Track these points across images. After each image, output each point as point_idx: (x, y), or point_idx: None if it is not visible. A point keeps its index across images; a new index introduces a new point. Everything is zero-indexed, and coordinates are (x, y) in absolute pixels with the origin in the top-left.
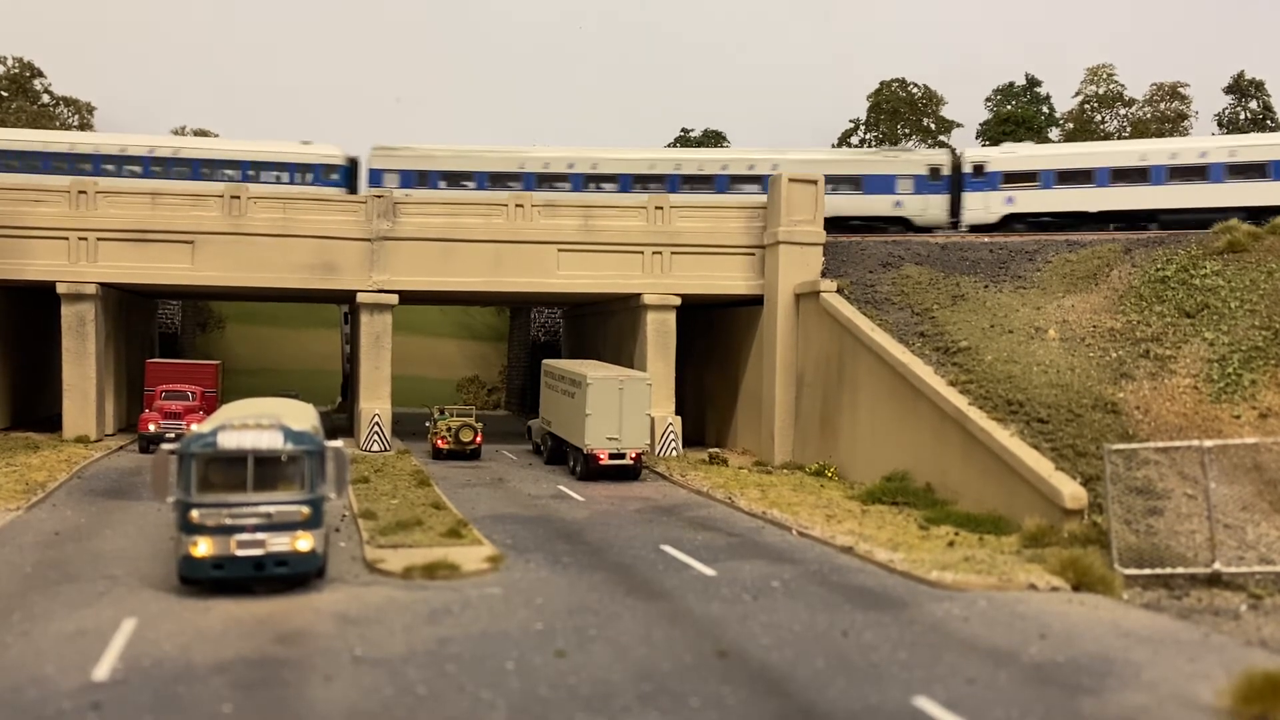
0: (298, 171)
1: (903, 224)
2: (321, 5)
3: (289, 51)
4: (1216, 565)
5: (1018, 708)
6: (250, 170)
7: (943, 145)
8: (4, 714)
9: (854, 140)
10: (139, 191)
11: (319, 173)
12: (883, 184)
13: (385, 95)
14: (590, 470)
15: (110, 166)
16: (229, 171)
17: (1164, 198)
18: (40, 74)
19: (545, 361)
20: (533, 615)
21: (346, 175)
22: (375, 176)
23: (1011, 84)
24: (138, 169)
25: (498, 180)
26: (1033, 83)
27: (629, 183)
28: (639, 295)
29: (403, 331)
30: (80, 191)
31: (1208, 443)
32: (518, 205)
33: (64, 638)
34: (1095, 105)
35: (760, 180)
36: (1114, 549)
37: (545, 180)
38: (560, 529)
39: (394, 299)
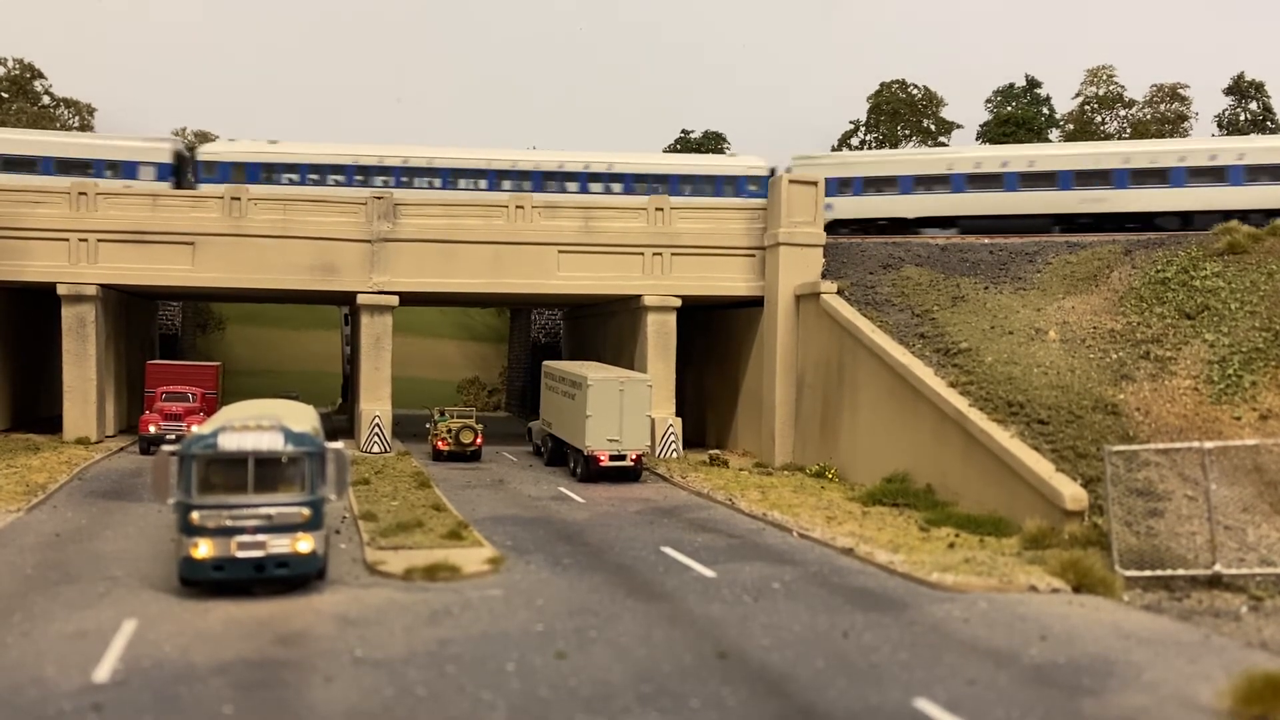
0: (724, 183)
1: None
2: (321, 7)
3: (289, 53)
4: (1217, 567)
5: (1018, 709)
6: (680, 184)
7: (943, 146)
8: (5, 715)
9: (854, 142)
10: (138, 193)
11: (741, 184)
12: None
13: (385, 95)
14: (591, 472)
15: (551, 184)
16: (658, 185)
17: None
18: (41, 75)
19: (545, 363)
20: (533, 616)
21: (765, 184)
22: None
23: (1012, 85)
24: (574, 185)
25: (922, 183)
26: (1033, 84)
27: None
28: (639, 296)
29: (403, 333)
30: (80, 193)
31: (1208, 444)
32: (518, 206)
33: (64, 639)
34: (1095, 106)
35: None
36: (1114, 550)
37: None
38: (561, 530)
39: (394, 300)
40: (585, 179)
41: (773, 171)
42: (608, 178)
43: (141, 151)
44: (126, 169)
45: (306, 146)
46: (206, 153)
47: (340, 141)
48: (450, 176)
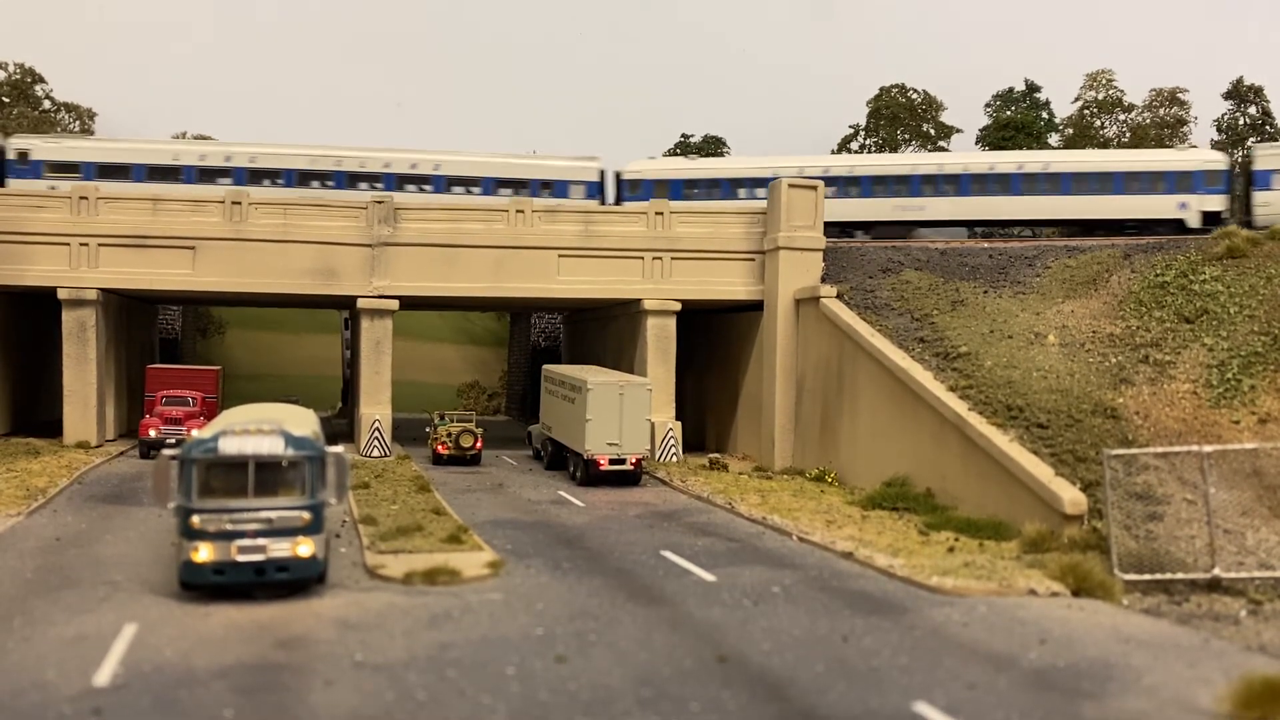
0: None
1: None
2: (322, 9)
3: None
4: (1216, 570)
5: (1018, 713)
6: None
7: (943, 150)
8: (5, 719)
9: (854, 146)
10: (139, 197)
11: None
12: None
13: (385, 99)
14: (590, 475)
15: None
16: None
17: None
18: (41, 79)
19: (545, 367)
20: (533, 620)
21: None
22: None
23: (1011, 89)
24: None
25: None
26: (1032, 88)
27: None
28: (639, 301)
29: (403, 337)
30: (81, 197)
31: (1207, 448)
32: (519, 211)
33: (65, 643)
34: (1095, 111)
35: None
36: (1114, 554)
37: None
38: (560, 534)
39: (394, 304)
40: (393, 180)
41: (602, 174)
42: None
43: (573, 171)
44: (559, 188)
45: (724, 162)
46: (632, 170)
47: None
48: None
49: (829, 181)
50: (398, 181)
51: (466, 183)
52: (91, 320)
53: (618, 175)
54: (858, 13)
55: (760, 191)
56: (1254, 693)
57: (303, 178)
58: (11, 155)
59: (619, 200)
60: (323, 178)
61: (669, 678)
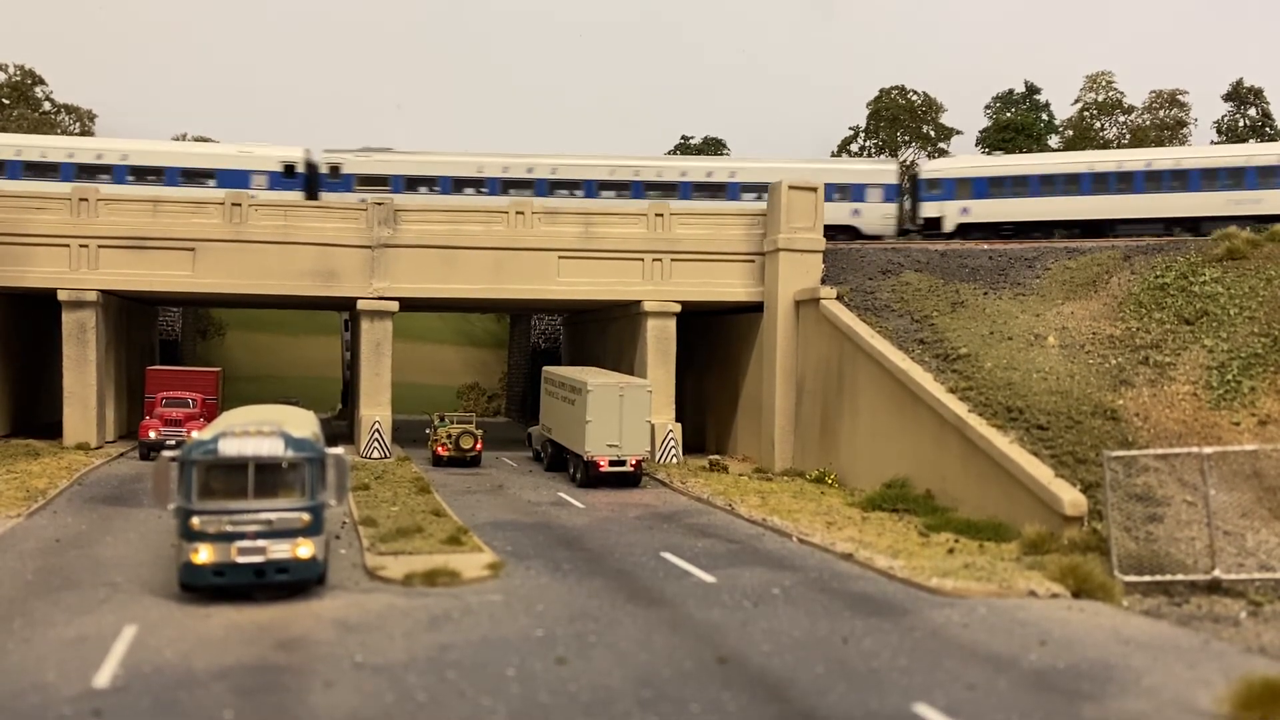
0: (228, 176)
1: None
2: (321, 10)
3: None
4: (1216, 572)
5: (1018, 714)
6: (180, 177)
7: (944, 153)
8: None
9: (853, 148)
10: (139, 199)
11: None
12: None
13: (385, 101)
14: (590, 477)
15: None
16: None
17: None
18: (41, 81)
19: (545, 368)
20: (533, 622)
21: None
22: None
23: (1011, 91)
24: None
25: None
26: (1032, 90)
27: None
28: (639, 302)
29: (403, 338)
30: (81, 199)
31: (1207, 450)
32: (518, 212)
33: (65, 644)
34: (1094, 112)
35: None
36: (1114, 556)
37: None
38: (560, 536)
39: (394, 306)
40: (689, 189)
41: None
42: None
43: (873, 174)
44: (856, 191)
45: (1031, 159)
46: (931, 169)
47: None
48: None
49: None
50: (693, 190)
51: (759, 189)
52: (91, 322)
53: (914, 176)
54: (857, 14)
55: (1081, 186)
56: (1254, 694)
57: (601, 187)
58: (324, 169)
59: (916, 202)
60: (619, 187)
61: (669, 679)
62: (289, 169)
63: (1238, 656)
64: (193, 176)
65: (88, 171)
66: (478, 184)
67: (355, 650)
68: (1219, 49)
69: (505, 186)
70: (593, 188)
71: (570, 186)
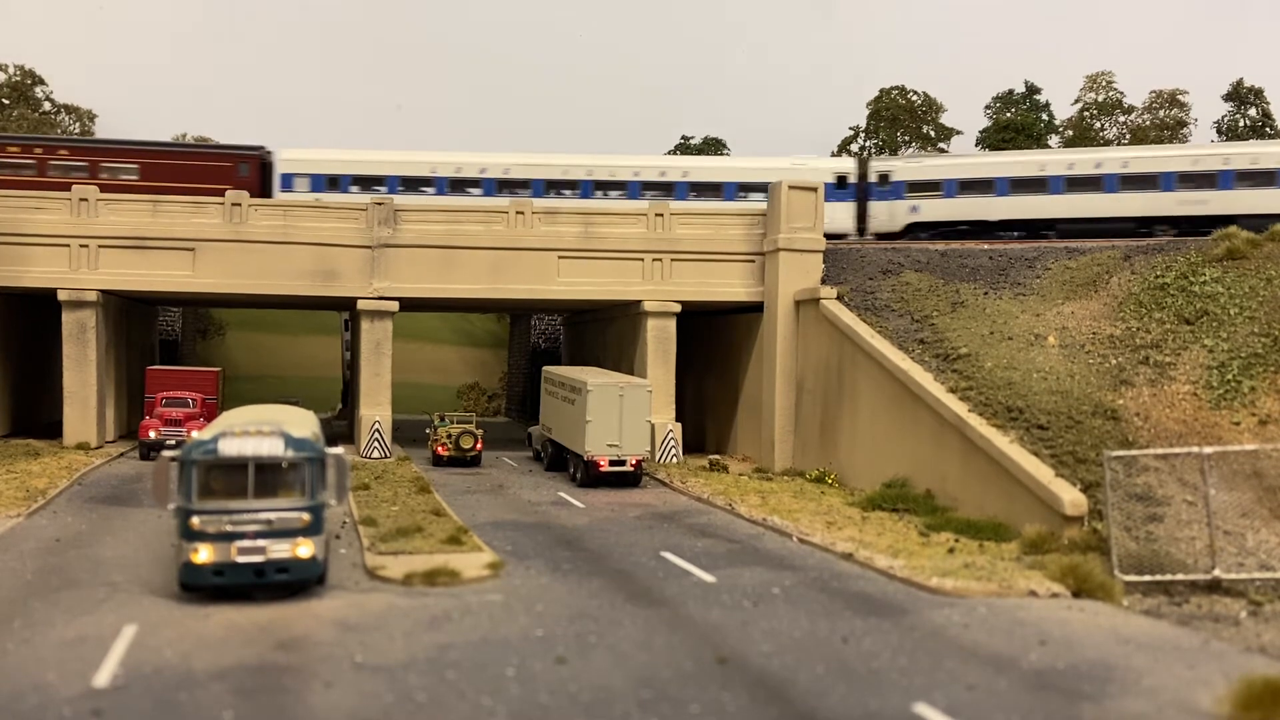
0: None
1: None
2: (322, 10)
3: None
4: (1216, 572)
5: (1018, 714)
6: None
7: (943, 152)
8: None
9: (854, 148)
10: (139, 199)
11: None
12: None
13: (386, 101)
14: (590, 477)
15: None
16: None
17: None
18: (41, 81)
19: (545, 368)
20: (533, 622)
21: None
22: None
23: (1011, 91)
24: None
25: None
26: (1032, 90)
27: None
28: (639, 302)
29: (403, 338)
30: (81, 199)
31: (1207, 449)
32: (518, 212)
33: (65, 644)
34: (1094, 112)
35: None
36: (1114, 555)
37: None
38: (560, 535)
39: (394, 306)
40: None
41: (853, 175)
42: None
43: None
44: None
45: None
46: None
47: None
48: None
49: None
50: (738, 190)
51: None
52: (91, 322)
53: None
54: (857, 13)
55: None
56: (1254, 694)
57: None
58: (873, 178)
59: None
60: (617, 187)
61: (669, 679)
62: (841, 180)
63: (1238, 656)
64: (748, 190)
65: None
66: (1038, 184)
67: (355, 650)
68: (1219, 49)
69: (1068, 185)
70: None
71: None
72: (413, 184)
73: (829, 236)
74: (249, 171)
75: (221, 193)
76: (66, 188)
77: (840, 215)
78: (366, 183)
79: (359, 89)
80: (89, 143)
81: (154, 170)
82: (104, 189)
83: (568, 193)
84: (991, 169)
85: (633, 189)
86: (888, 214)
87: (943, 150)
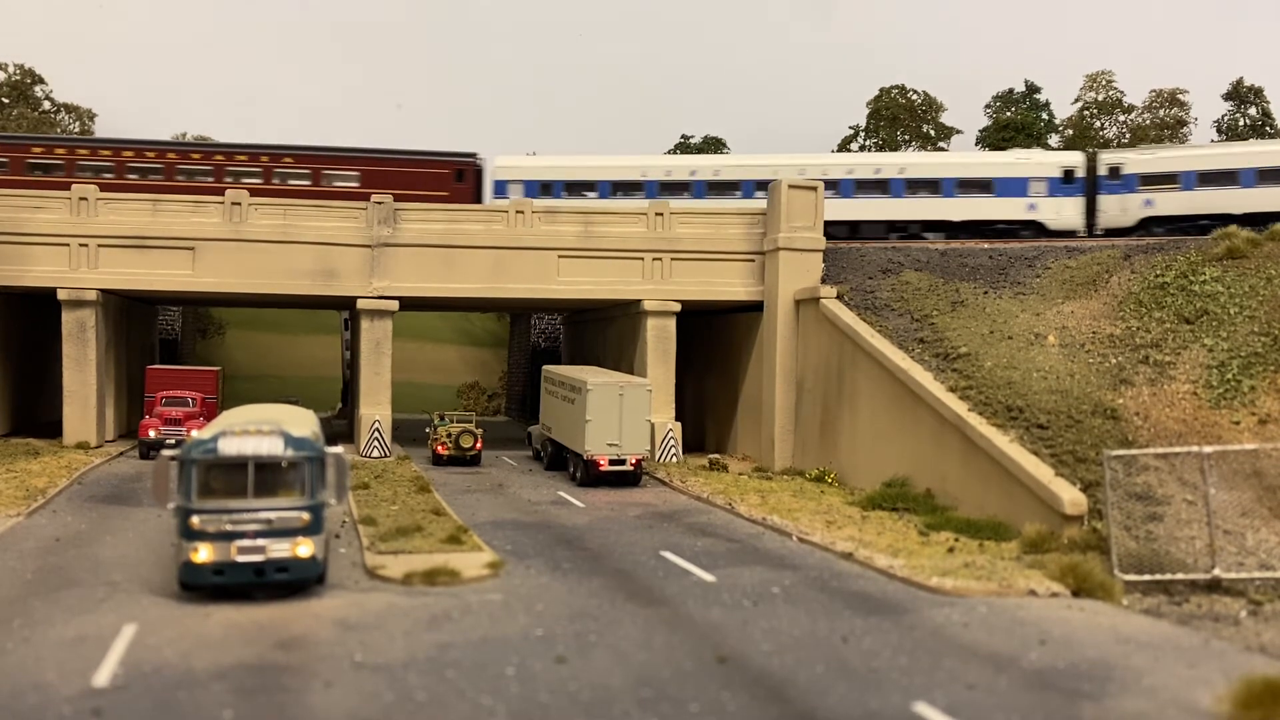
0: None
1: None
2: (322, 9)
3: (288, 55)
4: (1216, 571)
5: (1018, 713)
6: None
7: (941, 151)
8: (5, 719)
9: (853, 147)
10: (139, 198)
11: None
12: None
13: (386, 100)
14: (590, 476)
15: None
16: None
17: None
18: (41, 80)
19: (545, 367)
20: (533, 621)
21: None
22: None
23: (1011, 90)
24: None
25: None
26: (1032, 89)
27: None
28: (639, 301)
29: (403, 337)
30: (81, 198)
31: (1207, 449)
32: (518, 212)
33: (64, 644)
34: (1094, 112)
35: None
36: (1114, 555)
37: None
38: (560, 535)
39: (394, 305)
40: (952, 186)
41: (1080, 169)
42: (869, 185)
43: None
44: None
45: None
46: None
47: None
48: None
49: None
50: (957, 186)
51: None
52: (91, 321)
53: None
54: (857, 13)
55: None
56: (1254, 693)
57: None
58: (1102, 171)
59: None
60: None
61: (669, 679)
62: (1068, 174)
63: (1238, 655)
64: (968, 187)
65: (864, 187)
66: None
67: (355, 650)
68: (1219, 49)
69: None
70: None
71: None
72: (623, 188)
73: (1054, 233)
74: (465, 179)
75: (437, 199)
76: (294, 195)
77: (1067, 211)
78: (578, 188)
79: (359, 88)
80: (313, 150)
81: (374, 177)
82: (325, 195)
83: None
84: (1236, 159)
85: (845, 188)
86: (1119, 208)
87: (942, 149)
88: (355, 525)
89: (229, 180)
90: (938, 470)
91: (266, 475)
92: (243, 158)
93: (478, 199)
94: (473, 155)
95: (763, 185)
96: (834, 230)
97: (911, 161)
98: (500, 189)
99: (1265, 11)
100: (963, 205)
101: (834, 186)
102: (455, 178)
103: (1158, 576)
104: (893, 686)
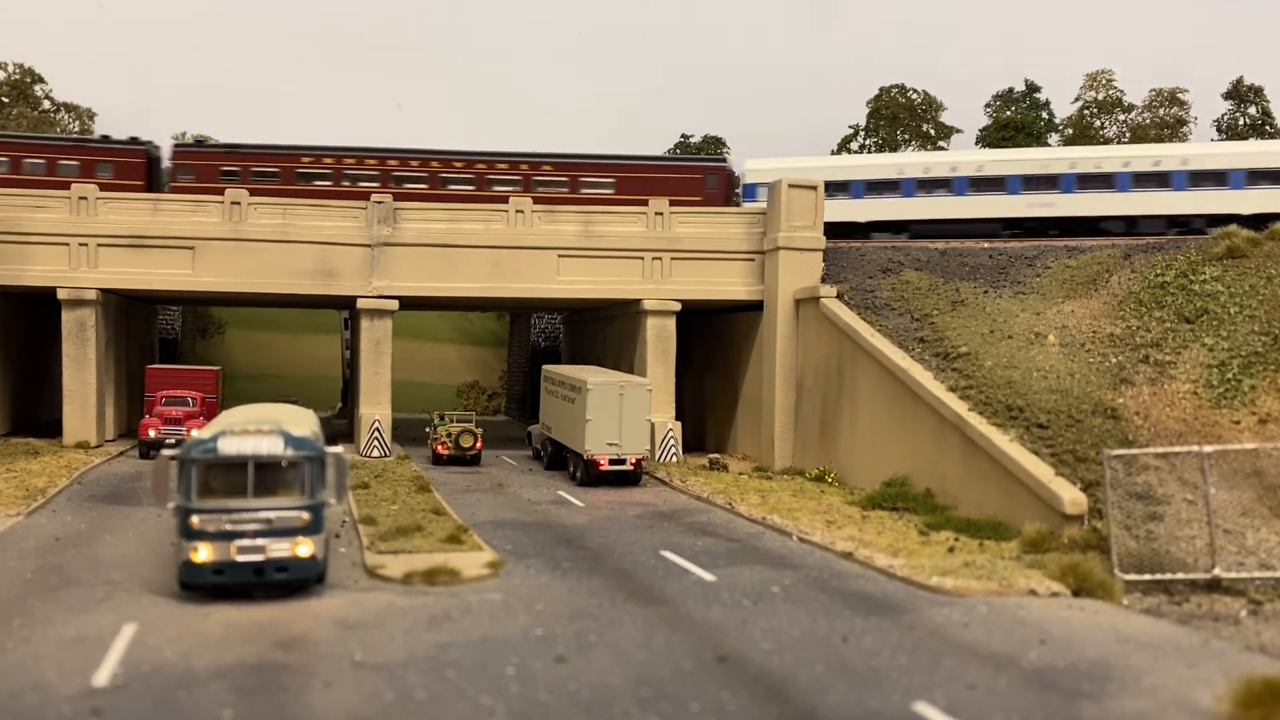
0: None
1: None
2: (322, 9)
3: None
4: (1216, 570)
5: (1018, 713)
6: None
7: (942, 151)
8: (4, 719)
9: (853, 146)
10: (139, 197)
11: None
12: None
13: (385, 99)
14: (590, 476)
15: None
16: None
17: None
18: (41, 79)
19: (545, 367)
20: (533, 621)
21: None
22: None
23: (1011, 90)
24: None
25: None
26: (1032, 89)
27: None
28: (639, 301)
29: (403, 337)
30: (81, 197)
31: (1207, 448)
32: (518, 211)
33: (64, 643)
34: (1094, 111)
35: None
36: (1114, 554)
37: None
38: (560, 534)
39: (394, 304)
40: (1127, 180)
41: None
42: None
43: None
44: None
45: None
46: None
47: None
48: None
49: None
50: (1133, 180)
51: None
52: (91, 320)
53: None
54: (857, 12)
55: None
56: (1254, 693)
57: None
58: None
59: None
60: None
61: (669, 678)
62: None
63: (1238, 655)
64: (1262, 178)
65: (1141, 181)
66: None
67: (355, 649)
68: (1219, 49)
69: None
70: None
71: None
72: (878, 187)
73: None
74: (716, 183)
75: (690, 204)
76: (548, 202)
77: None
78: (830, 189)
79: (359, 87)
80: (571, 157)
81: (629, 184)
82: (580, 203)
83: (1045, 188)
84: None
85: (1121, 181)
86: None
87: (941, 148)
88: (355, 525)
89: (490, 189)
90: (938, 470)
91: (266, 475)
92: (504, 165)
93: (728, 202)
94: (723, 160)
95: (1032, 181)
96: (1110, 225)
97: (1193, 153)
98: (750, 192)
99: (1265, 11)
100: (1255, 198)
101: (1106, 180)
102: (705, 183)
103: (1158, 576)
104: (893, 686)
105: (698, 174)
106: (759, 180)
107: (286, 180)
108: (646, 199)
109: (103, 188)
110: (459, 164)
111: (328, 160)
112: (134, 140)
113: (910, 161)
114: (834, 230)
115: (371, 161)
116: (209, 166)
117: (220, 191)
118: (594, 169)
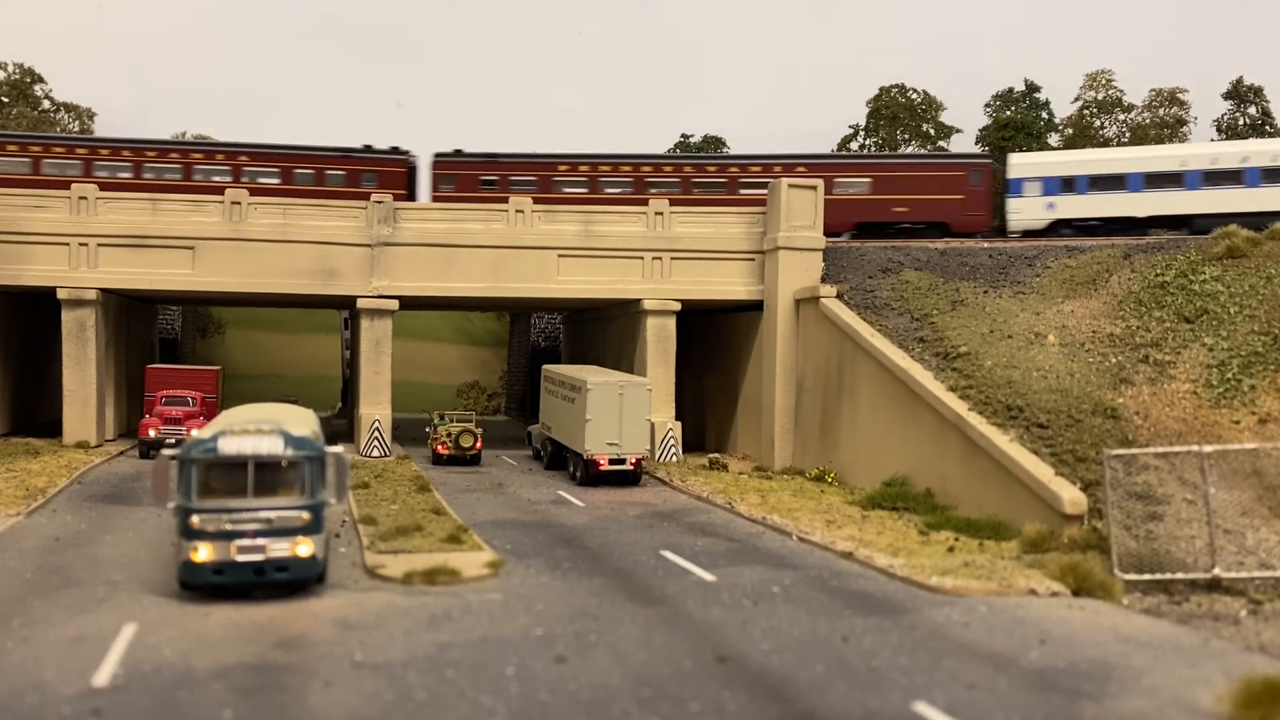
0: None
1: None
2: (322, 9)
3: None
4: (1216, 570)
5: (1018, 713)
6: None
7: (942, 150)
8: (4, 719)
9: (853, 146)
10: (139, 197)
11: None
12: None
13: (385, 100)
14: (590, 475)
15: None
16: None
17: None
18: (41, 79)
19: (545, 367)
20: (533, 621)
21: None
22: None
23: (1010, 89)
24: None
25: None
26: (1032, 88)
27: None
28: (639, 301)
29: (403, 337)
30: (81, 197)
31: (1207, 448)
32: (518, 211)
33: (64, 643)
34: (1094, 111)
35: None
36: (1114, 554)
37: None
38: (560, 534)
39: (394, 304)
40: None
41: None
42: None
43: None
44: None
45: None
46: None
47: None
48: None
49: None
50: None
51: None
52: (91, 320)
53: None
54: (857, 12)
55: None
56: (1254, 693)
57: None
58: None
59: None
60: None
61: (669, 678)
62: None
63: (1238, 655)
64: None
65: None
66: None
67: (355, 649)
68: (1219, 48)
69: None
70: None
71: None
72: (1158, 180)
73: None
74: (980, 180)
75: (952, 204)
76: (709, 203)
77: None
78: (1104, 183)
79: (359, 86)
80: (823, 158)
81: (886, 183)
82: (737, 203)
83: None
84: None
85: None
86: None
87: (941, 148)
88: (355, 524)
89: (652, 192)
90: (938, 469)
91: (266, 474)
92: (668, 168)
93: (991, 202)
94: (988, 157)
95: None
96: None
97: None
98: (1015, 187)
99: (1265, 11)
100: None
101: None
102: (970, 179)
103: (1158, 576)
104: (893, 686)
105: (961, 170)
106: (1023, 175)
107: (544, 188)
108: (907, 200)
109: (364, 196)
110: (627, 167)
111: (583, 168)
112: (395, 150)
113: (1195, 153)
114: (1107, 226)
115: (626, 168)
116: (469, 176)
117: (481, 200)
118: (850, 169)
